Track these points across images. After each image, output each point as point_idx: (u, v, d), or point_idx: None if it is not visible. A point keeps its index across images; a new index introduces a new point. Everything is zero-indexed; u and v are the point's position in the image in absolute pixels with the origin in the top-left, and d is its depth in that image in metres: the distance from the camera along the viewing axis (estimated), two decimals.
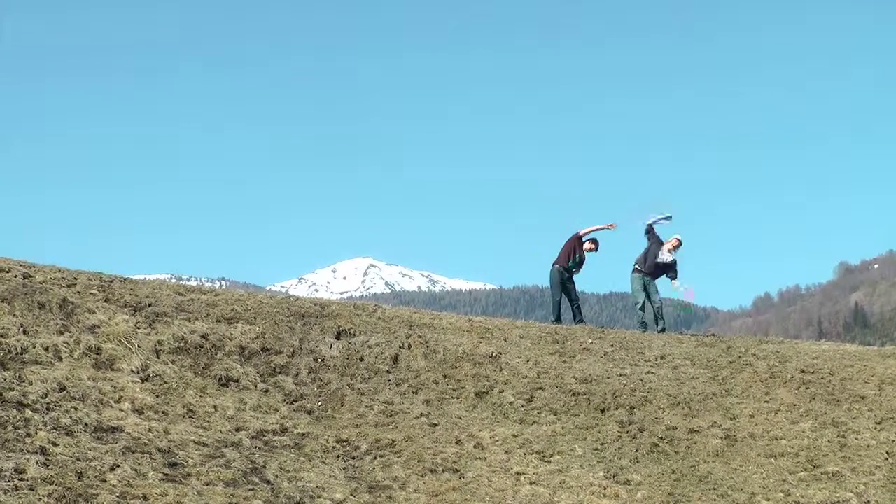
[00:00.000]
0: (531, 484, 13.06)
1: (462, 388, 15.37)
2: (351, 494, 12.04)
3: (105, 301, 15.07)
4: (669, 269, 21.79)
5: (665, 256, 21.74)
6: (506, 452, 13.77)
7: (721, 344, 19.34)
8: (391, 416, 14.25)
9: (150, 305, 15.33)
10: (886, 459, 14.82)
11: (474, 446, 13.82)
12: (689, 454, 14.54)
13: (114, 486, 10.68)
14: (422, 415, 14.38)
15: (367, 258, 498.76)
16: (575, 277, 21.94)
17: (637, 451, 14.40)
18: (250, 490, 11.43)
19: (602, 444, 14.45)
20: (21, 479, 10.26)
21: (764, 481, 13.99)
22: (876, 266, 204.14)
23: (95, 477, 10.75)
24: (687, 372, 17.23)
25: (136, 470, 11.11)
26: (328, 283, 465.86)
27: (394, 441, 13.59)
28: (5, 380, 12.28)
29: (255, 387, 14.14)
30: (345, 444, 13.39)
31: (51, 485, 10.28)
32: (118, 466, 11.08)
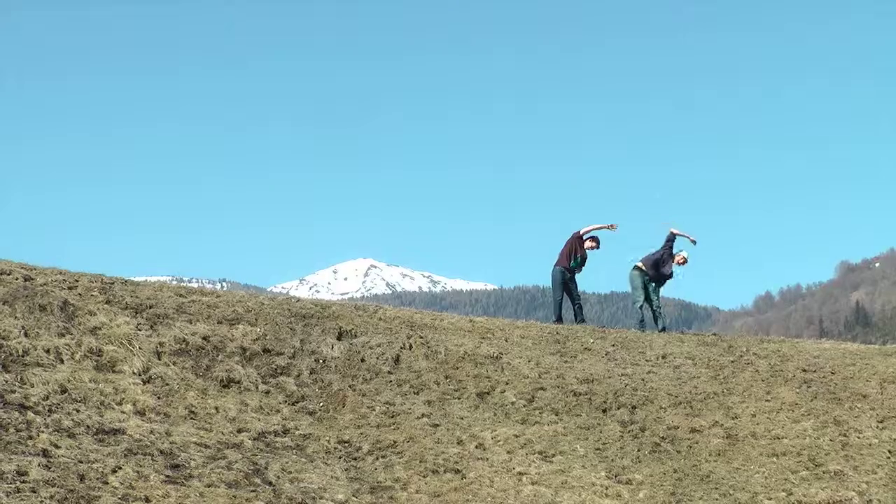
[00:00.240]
0: (533, 484, 13.06)
1: (463, 388, 15.37)
2: (353, 495, 12.05)
3: (106, 303, 15.08)
4: (667, 279, 22.15)
5: (670, 269, 22.03)
6: (507, 452, 13.78)
7: (722, 343, 19.35)
8: (393, 416, 14.25)
9: (151, 307, 15.33)
10: (888, 458, 14.82)
11: (476, 447, 13.82)
12: (691, 453, 14.55)
13: (116, 487, 10.69)
14: (423, 415, 14.38)
15: (367, 259, 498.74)
16: (577, 277, 21.97)
17: (639, 450, 14.41)
18: (252, 491, 11.43)
19: (604, 443, 14.46)
20: (23, 481, 10.27)
21: (766, 480, 13.99)
22: (877, 264, 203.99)
23: (97, 479, 10.76)
24: (688, 371, 17.23)
25: (137, 472, 11.12)
26: (329, 284, 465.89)
27: (395, 442, 13.60)
28: (7, 382, 12.28)
29: (257, 388, 14.15)
30: (346, 444, 13.39)
31: (53, 487, 10.29)
32: (120, 468, 11.09)
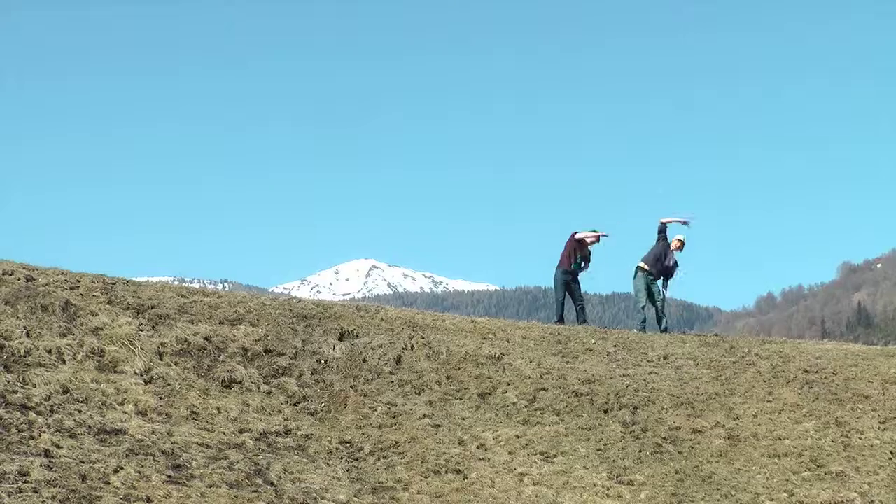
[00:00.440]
0: (534, 485, 13.06)
1: (465, 389, 15.37)
2: (354, 496, 12.05)
3: (108, 303, 15.08)
4: (674, 271, 21.97)
5: (672, 259, 21.93)
6: (509, 453, 13.77)
7: (724, 344, 19.34)
8: (394, 417, 14.26)
9: (153, 308, 15.34)
10: (890, 459, 14.81)
11: (477, 447, 13.82)
12: (693, 454, 14.54)
13: (117, 488, 10.70)
14: (425, 416, 14.38)
15: (369, 259, 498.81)
16: (580, 277, 21.98)
17: (640, 451, 14.40)
18: (254, 492, 11.44)
19: (605, 444, 14.45)
20: (25, 482, 10.27)
21: (767, 481, 13.98)
22: (879, 265, 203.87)
23: (99, 479, 10.77)
24: (690, 372, 17.22)
25: (139, 472, 11.13)
26: (331, 284, 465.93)
27: (397, 442, 13.60)
28: (9, 382, 12.29)
29: (258, 388, 14.15)
30: (348, 445, 13.39)
31: (54, 487, 10.30)
32: (122, 469, 11.10)
